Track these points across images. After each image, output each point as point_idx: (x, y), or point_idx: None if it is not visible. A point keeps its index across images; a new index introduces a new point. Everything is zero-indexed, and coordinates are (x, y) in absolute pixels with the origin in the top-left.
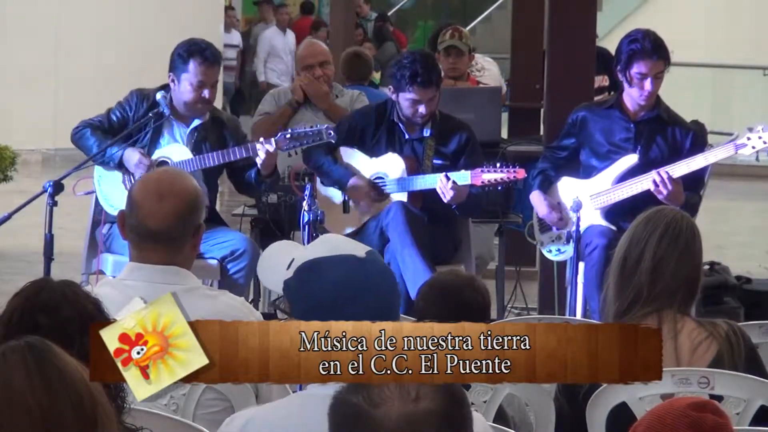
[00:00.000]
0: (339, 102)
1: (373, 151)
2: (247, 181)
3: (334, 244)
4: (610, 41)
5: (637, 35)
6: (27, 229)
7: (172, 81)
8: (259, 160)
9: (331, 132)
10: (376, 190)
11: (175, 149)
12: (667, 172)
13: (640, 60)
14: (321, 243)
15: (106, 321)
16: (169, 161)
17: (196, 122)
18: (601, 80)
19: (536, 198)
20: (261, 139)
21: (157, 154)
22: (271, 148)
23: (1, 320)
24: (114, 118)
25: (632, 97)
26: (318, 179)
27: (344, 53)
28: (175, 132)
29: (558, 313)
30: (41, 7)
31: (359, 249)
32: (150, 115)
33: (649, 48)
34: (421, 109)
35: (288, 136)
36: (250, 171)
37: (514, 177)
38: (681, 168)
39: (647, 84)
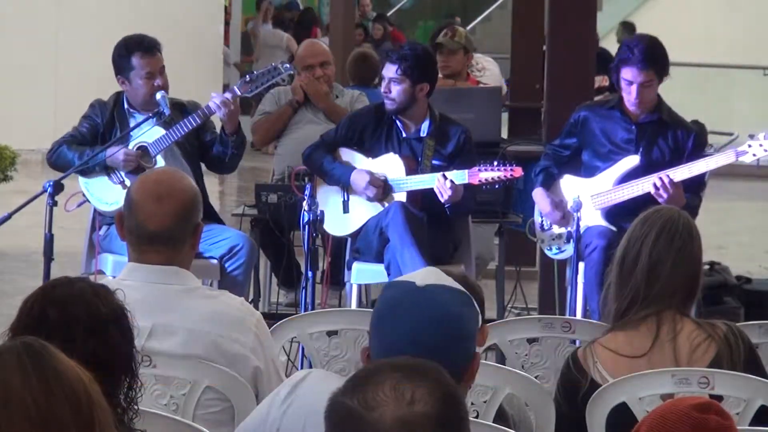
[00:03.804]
0: (339, 102)
1: (372, 150)
2: (215, 153)
3: (423, 272)
4: (610, 41)
5: (633, 42)
6: (27, 229)
7: (123, 83)
8: (221, 116)
9: (288, 65)
10: (379, 182)
11: (147, 133)
12: (668, 176)
13: (626, 67)
14: (422, 269)
15: (120, 330)
16: (146, 144)
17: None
18: (601, 80)
19: (539, 195)
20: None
21: (132, 144)
22: (229, 95)
23: (20, 309)
24: (84, 129)
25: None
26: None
27: (352, 54)
28: (143, 124)
29: (558, 313)
30: (41, 7)
31: (433, 279)
32: (150, 114)
33: (638, 57)
34: (384, 86)
35: (247, 79)
36: (216, 138)
37: (512, 175)
38: (682, 172)
39: (633, 91)
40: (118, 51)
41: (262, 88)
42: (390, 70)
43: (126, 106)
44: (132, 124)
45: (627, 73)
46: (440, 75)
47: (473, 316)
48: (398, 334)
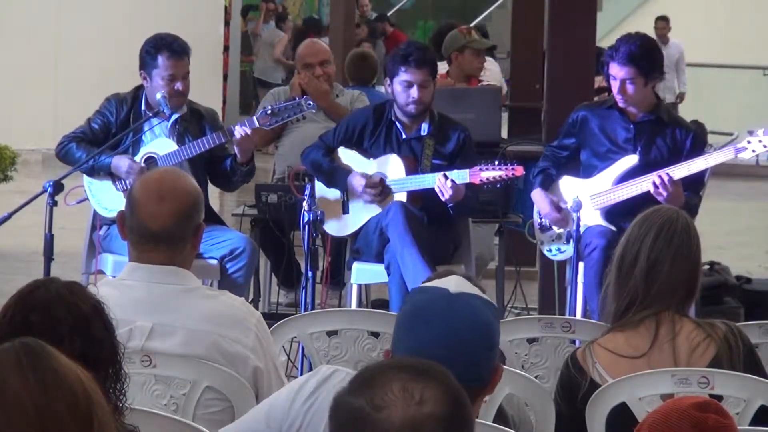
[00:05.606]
0: (339, 102)
1: (371, 151)
2: (222, 171)
3: (454, 280)
4: (610, 41)
5: (623, 39)
6: (27, 229)
7: (144, 79)
8: (236, 145)
9: (311, 103)
10: (376, 185)
11: (159, 143)
12: (667, 174)
13: (611, 62)
14: (450, 277)
15: (103, 324)
16: (155, 156)
17: (175, 115)
18: (601, 80)
19: (538, 196)
20: (245, 121)
21: (142, 152)
22: (248, 130)
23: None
24: (96, 126)
25: None
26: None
27: (350, 54)
28: (156, 128)
29: (558, 313)
30: (41, 7)
31: (465, 288)
32: (149, 114)
33: (621, 53)
34: (414, 92)
35: (269, 111)
36: (226, 160)
37: (513, 174)
38: (681, 170)
39: (616, 86)
40: (146, 46)
41: (281, 123)
42: (421, 74)
43: (143, 107)
44: (147, 127)
45: (611, 69)
46: (470, 77)
47: (498, 328)
48: (431, 338)
